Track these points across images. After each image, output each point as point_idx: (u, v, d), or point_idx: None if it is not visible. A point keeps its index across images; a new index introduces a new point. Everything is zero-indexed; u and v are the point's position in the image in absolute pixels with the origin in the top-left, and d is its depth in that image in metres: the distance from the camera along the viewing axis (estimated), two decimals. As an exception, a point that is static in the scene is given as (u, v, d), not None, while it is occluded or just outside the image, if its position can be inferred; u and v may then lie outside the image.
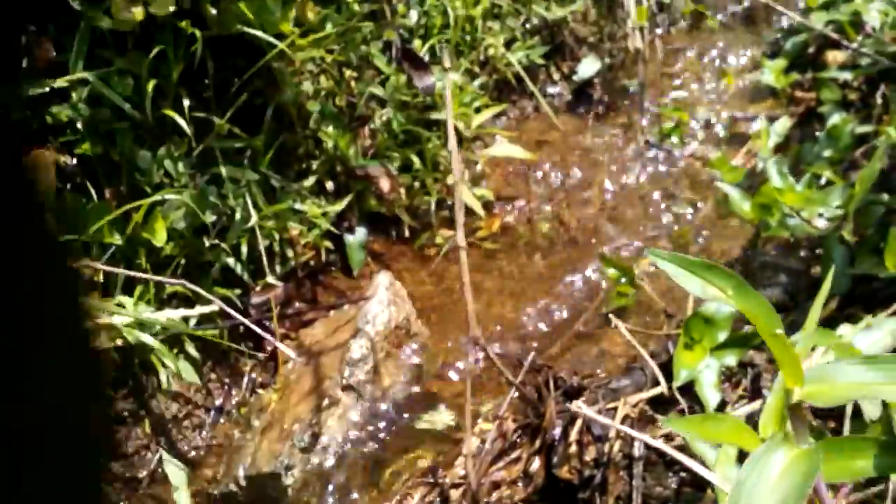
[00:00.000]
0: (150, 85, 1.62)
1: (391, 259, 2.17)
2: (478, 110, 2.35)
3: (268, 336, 1.23)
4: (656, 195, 2.33)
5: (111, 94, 1.58)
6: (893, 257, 1.47)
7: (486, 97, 2.40)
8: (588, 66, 2.72)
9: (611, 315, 1.40)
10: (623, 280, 1.85)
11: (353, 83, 2.11)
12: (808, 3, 2.50)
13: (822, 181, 1.92)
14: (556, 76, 2.83)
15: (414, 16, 2.31)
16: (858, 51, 2.23)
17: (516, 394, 1.35)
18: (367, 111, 2.19)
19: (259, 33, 1.72)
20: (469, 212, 2.25)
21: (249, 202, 1.79)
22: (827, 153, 2.03)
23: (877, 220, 1.61)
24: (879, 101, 2.24)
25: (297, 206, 1.92)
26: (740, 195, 1.88)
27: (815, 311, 1.19)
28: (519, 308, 1.98)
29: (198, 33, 1.65)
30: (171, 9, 1.57)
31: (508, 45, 2.55)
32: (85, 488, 0.31)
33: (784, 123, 2.31)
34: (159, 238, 1.61)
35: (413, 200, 2.22)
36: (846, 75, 2.29)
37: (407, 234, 2.20)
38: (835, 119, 2.09)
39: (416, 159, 2.20)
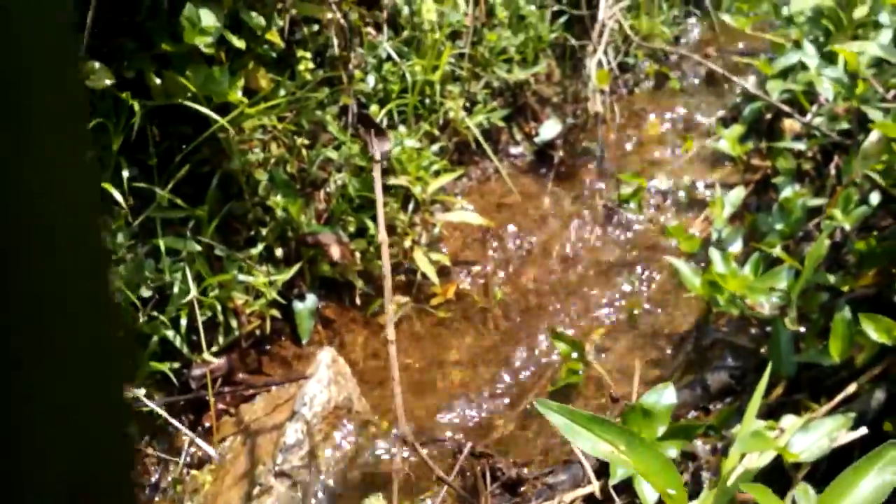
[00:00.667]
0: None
1: (342, 326, 2.13)
2: (437, 174, 2.33)
3: (186, 431, 1.17)
4: (613, 262, 2.31)
5: (44, 168, 1.54)
6: (838, 345, 1.45)
7: (445, 160, 2.39)
8: (550, 128, 2.73)
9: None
10: (574, 356, 1.82)
11: (304, 151, 2.09)
12: (764, 70, 2.53)
13: (775, 253, 1.91)
14: (518, 136, 2.83)
15: (371, 81, 2.30)
16: (810, 125, 2.24)
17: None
18: (324, 174, 2.17)
19: (202, 109, 1.69)
20: (424, 276, 2.22)
21: (189, 274, 1.74)
22: (779, 226, 2.02)
23: (821, 304, 1.60)
24: (833, 171, 2.25)
25: (243, 276, 1.88)
26: (691, 271, 1.87)
27: (751, 412, 1.16)
28: (467, 382, 1.93)
29: (136, 106, 1.62)
30: (109, 82, 1.54)
31: (470, 106, 2.55)
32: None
33: (738, 194, 2.31)
34: (91, 314, 1.56)
35: (367, 265, 2.19)
36: (800, 145, 2.31)
37: (359, 301, 2.16)
38: (787, 192, 2.10)
39: (371, 224, 2.17)
